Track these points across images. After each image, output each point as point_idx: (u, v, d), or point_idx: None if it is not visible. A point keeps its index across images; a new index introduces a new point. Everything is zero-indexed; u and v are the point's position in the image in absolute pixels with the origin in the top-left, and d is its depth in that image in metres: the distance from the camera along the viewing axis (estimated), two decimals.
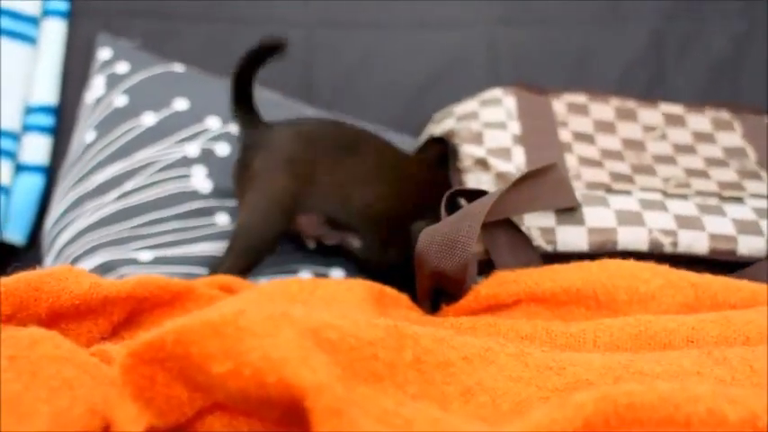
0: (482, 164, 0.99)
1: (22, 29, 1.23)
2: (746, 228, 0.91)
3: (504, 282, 0.79)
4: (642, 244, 0.89)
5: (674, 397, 0.53)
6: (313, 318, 0.55)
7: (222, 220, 1.06)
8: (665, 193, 0.95)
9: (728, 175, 1.00)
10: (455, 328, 0.73)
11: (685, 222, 0.90)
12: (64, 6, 1.28)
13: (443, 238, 0.79)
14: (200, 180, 1.07)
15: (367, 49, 1.31)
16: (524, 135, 1.03)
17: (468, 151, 1.01)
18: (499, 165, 0.98)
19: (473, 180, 0.98)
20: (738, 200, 0.95)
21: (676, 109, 1.12)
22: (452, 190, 0.88)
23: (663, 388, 0.53)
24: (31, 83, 1.24)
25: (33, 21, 1.25)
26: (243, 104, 1.04)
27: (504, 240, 0.87)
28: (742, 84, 1.33)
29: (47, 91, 1.24)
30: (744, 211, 0.93)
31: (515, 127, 1.04)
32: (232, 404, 0.55)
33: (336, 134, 1.04)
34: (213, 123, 1.11)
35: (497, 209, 0.84)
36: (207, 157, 1.08)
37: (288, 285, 0.79)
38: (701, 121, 1.10)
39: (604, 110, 1.10)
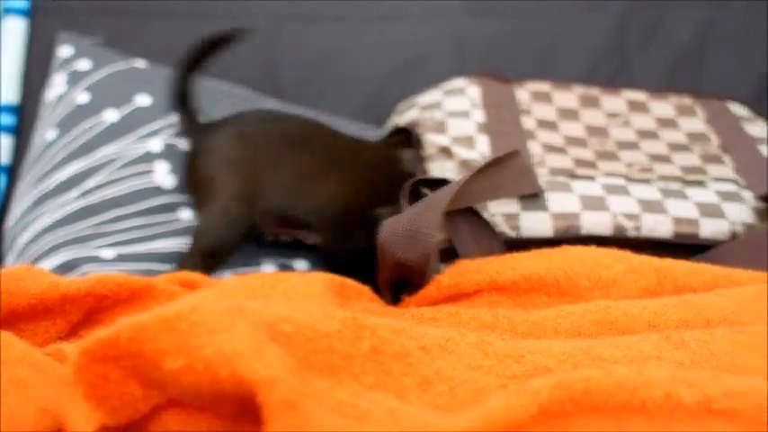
0: (446, 152, 0.99)
1: None
2: (709, 211, 0.91)
3: (466, 271, 0.79)
4: (606, 228, 0.90)
5: (631, 382, 0.53)
6: (268, 311, 0.54)
7: (186, 215, 1.05)
8: (628, 178, 0.95)
9: (691, 159, 1.01)
10: (416, 318, 0.73)
11: (648, 206, 0.91)
12: (24, 5, 1.27)
13: (405, 229, 0.79)
14: (163, 175, 1.06)
15: (331, 43, 1.30)
16: (488, 123, 1.03)
17: (432, 140, 1.01)
18: (463, 152, 0.98)
19: (437, 168, 0.98)
20: (701, 183, 0.96)
21: (639, 96, 1.13)
22: (414, 179, 0.88)
23: (619, 373, 0.53)
24: None
25: None
26: (183, 103, 1.04)
27: (467, 229, 0.87)
28: (705, 72, 1.33)
29: (8, 90, 1.23)
30: (706, 195, 0.93)
31: (479, 115, 1.04)
32: (187, 400, 0.55)
33: (280, 130, 1.02)
34: (176, 119, 1.10)
35: (460, 198, 0.84)
36: (170, 152, 1.08)
37: (249, 280, 0.78)
38: (664, 107, 1.11)
39: (568, 97, 1.11)
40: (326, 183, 1.00)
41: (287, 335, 0.53)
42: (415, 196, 0.87)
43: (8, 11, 1.26)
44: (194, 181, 1.01)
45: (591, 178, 0.95)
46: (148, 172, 1.06)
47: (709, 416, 0.53)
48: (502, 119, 1.05)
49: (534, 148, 1.00)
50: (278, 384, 0.48)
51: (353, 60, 1.30)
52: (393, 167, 1.02)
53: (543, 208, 0.90)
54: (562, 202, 0.91)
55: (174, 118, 1.09)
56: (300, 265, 1.05)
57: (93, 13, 1.28)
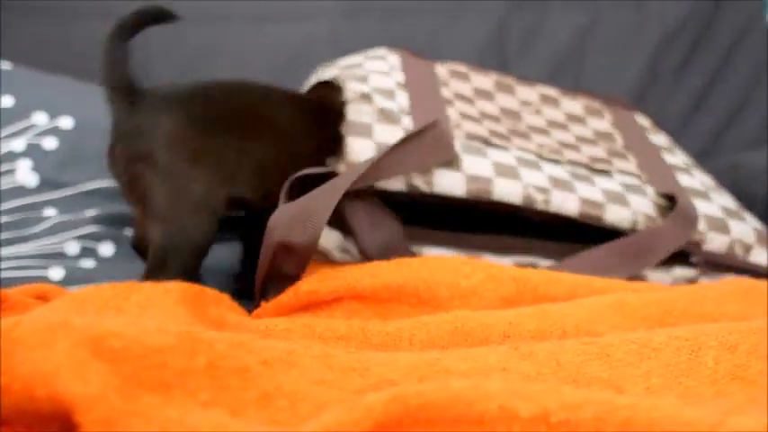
0: (366, 98, 0.96)
1: None
2: (614, 197, 0.92)
3: (325, 278, 0.78)
4: (516, 197, 0.89)
5: (467, 395, 0.53)
6: (96, 326, 0.52)
7: (50, 213, 1.02)
8: (539, 156, 0.96)
9: (598, 151, 1.02)
10: (269, 330, 0.71)
11: (558, 184, 0.91)
12: None
13: (297, 212, 0.77)
14: (26, 173, 1.03)
15: (204, 43, 1.28)
16: (408, 83, 1.03)
17: (353, 86, 0.98)
18: (382, 101, 0.96)
19: (354, 111, 0.95)
20: (607, 173, 0.97)
21: (551, 91, 1.15)
22: (298, 174, 0.84)
23: (455, 386, 0.53)
24: None
25: None
26: (118, 73, 0.87)
27: (364, 214, 0.85)
28: (583, 76, 1.36)
29: None
30: (611, 184, 0.95)
31: (399, 76, 1.04)
32: (12, 420, 0.53)
33: (227, 104, 0.91)
34: (40, 119, 1.07)
35: (374, 173, 0.84)
36: (32, 150, 1.04)
37: (101, 291, 0.75)
38: (573, 105, 1.13)
39: (484, 80, 1.12)
40: (262, 151, 0.90)
41: (115, 351, 0.51)
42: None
43: None
44: (136, 167, 0.86)
45: (505, 148, 0.95)
46: (10, 171, 1.03)
47: (547, 428, 0.53)
48: (421, 82, 1.05)
49: (452, 112, 1.00)
50: (97, 403, 0.46)
51: (229, 61, 1.29)
52: (323, 118, 0.96)
53: (457, 168, 0.90)
54: (476, 165, 0.90)
55: (38, 118, 1.06)
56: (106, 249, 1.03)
57: None
